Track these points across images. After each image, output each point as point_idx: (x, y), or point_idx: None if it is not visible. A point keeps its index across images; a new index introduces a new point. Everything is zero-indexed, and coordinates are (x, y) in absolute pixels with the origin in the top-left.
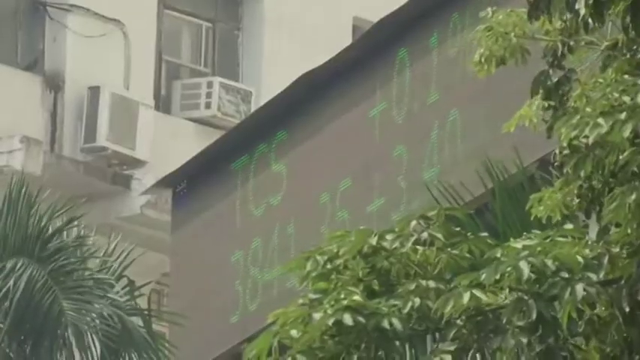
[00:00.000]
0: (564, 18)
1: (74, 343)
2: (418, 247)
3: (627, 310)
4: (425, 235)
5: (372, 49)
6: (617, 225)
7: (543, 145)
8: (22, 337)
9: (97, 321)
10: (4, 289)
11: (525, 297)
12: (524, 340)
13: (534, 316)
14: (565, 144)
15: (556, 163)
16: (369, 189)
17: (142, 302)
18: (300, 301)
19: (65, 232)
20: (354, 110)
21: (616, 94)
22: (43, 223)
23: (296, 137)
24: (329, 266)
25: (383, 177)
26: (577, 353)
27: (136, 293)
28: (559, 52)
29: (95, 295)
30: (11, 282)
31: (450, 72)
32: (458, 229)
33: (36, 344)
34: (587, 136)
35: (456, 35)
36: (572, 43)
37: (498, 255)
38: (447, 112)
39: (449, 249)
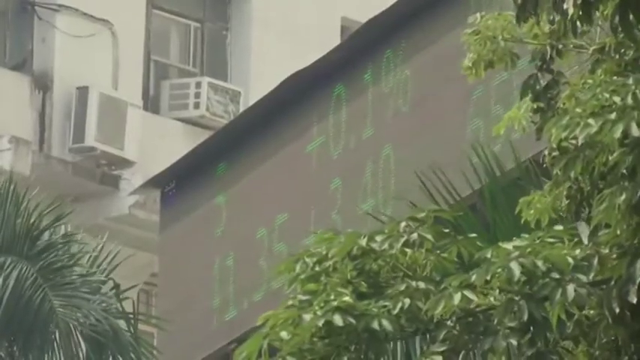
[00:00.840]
0: (552, 19)
1: (62, 341)
2: (407, 249)
3: (617, 310)
4: (415, 236)
5: (361, 50)
6: (607, 226)
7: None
8: (12, 336)
9: (85, 320)
10: None
11: (516, 298)
12: (515, 342)
13: (526, 317)
14: (555, 145)
15: (545, 165)
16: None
17: (128, 305)
18: (290, 302)
19: (54, 230)
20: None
21: (606, 95)
22: (31, 221)
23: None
24: (317, 268)
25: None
26: (565, 356)
27: (123, 296)
28: (547, 56)
29: (83, 294)
30: (0, 280)
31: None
32: (447, 230)
33: (26, 342)
34: (576, 137)
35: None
36: (560, 46)
37: (489, 256)
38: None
39: (437, 251)
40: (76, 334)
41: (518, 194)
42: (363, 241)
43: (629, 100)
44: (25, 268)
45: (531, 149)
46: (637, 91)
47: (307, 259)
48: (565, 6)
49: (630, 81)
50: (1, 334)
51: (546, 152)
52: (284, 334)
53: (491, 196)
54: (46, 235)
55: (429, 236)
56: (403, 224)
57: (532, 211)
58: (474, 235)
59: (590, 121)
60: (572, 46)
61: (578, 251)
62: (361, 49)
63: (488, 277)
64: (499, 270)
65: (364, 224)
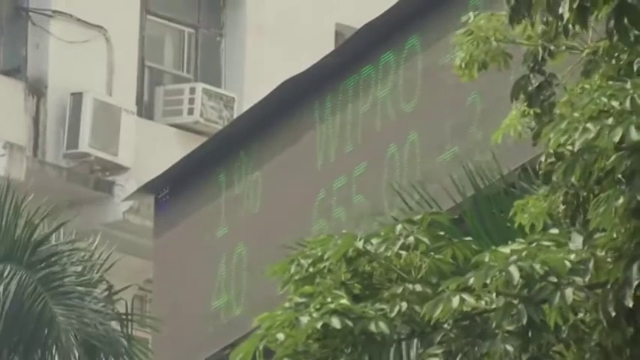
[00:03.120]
0: (545, 21)
1: (64, 349)
2: (402, 251)
3: (613, 314)
4: (411, 238)
5: (355, 55)
6: (603, 230)
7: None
8: (13, 345)
9: (85, 327)
10: None
11: (514, 301)
12: (511, 347)
13: (525, 320)
14: (552, 150)
15: (541, 172)
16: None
17: (122, 307)
18: (286, 304)
19: (52, 238)
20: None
21: (604, 99)
22: (30, 229)
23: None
24: (311, 270)
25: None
26: (556, 357)
27: (117, 297)
28: (539, 57)
29: (82, 301)
30: (0, 289)
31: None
32: (442, 233)
33: (27, 352)
34: (573, 143)
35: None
36: (552, 47)
37: (486, 259)
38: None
39: (432, 253)
40: (75, 341)
41: (506, 204)
42: (359, 244)
43: (628, 105)
44: (24, 277)
45: (520, 157)
46: (635, 95)
47: (302, 261)
48: (560, 10)
49: (628, 85)
50: (1, 343)
51: (542, 158)
52: (280, 336)
53: (477, 207)
54: (45, 243)
55: (425, 239)
56: (399, 227)
57: (526, 215)
58: (468, 238)
59: (589, 125)
60: (564, 47)
61: (574, 255)
62: (356, 55)
63: (488, 281)
64: (497, 273)
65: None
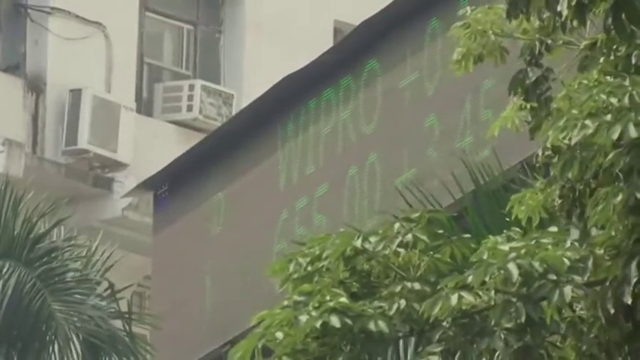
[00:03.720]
0: (542, 17)
1: (63, 345)
2: (400, 249)
3: (612, 311)
4: (409, 236)
5: (350, 55)
6: (601, 227)
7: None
8: (12, 341)
9: (84, 324)
10: None
11: (513, 299)
12: (512, 340)
13: (524, 318)
14: (549, 145)
15: (538, 165)
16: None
17: (123, 305)
18: (285, 303)
19: (51, 234)
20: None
21: (603, 96)
22: (29, 225)
23: None
24: (310, 268)
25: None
26: (553, 351)
27: (118, 296)
28: (537, 51)
29: (81, 297)
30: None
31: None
32: (440, 231)
33: (25, 348)
34: (570, 139)
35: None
36: (549, 42)
37: (485, 257)
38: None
39: (431, 252)
40: (74, 338)
41: (505, 200)
42: (358, 242)
43: (626, 102)
44: (23, 273)
45: (517, 154)
46: (634, 92)
47: (301, 259)
48: (559, 8)
49: (627, 82)
50: (0, 340)
51: (539, 152)
52: (279, 335)
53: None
54: (44, 239)
55: (424, 237)
56: (397, 225)
57: (523, 208)
58: (467, 235)
59: (587, 122)
60: (561, 41)
61: (570, 252)
62: (354, 52)
63: (487, 279)
64: (496, 271)
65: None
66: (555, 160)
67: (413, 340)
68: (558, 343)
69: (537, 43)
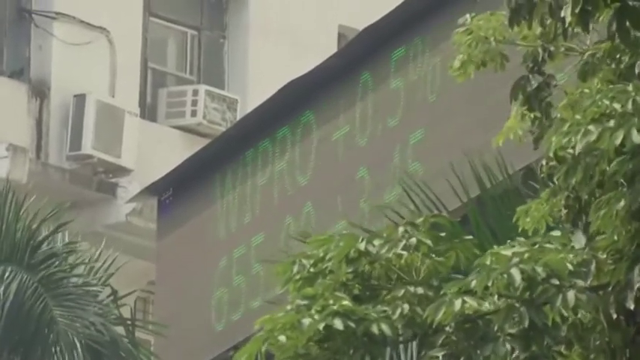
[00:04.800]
0: (545, 24)
1: (65, 351)
2: (402, 252)
3: (614, 316)
4: (413, 240)
5: (359, 57)
6: (604, 232)
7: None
8: (13, 346)
9: (85, 330)
10: None
11: (516, 304)
12: (511, 347)
13: (527, 323)
14: (552, 155)
15: (542, 175)
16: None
17: (126, 311)
18: (288, 307)
19: (53, 239)
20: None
21: (606, 102)
22: (31, 230)
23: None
24: (313, 270)
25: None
26: (558, 358)
27: (121, 302)
28: (539, 58)
29: (83, 303)
30: (1, 290)
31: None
32: (443, 234)
33: (27, 353)
34: (574, 146)
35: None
36: (552, 49)
37: (488, 262)
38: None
39: (433, 255)
40: (76, 344)
41: (510, 205)
42: (362, 245)
43: (629, 107)
44: (25, 278)
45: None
46: (637, 97)
47: (304, 261)
48: (562, 14)
49: (630, 88)
50: (2, 345)
51: (544, 161)
52: (282, 338)
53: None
54: (46, 244)
55: (428, 241)
56: (401, 229)
57: (529, 220)
58: (470, 237)
59: (591, 128)
60: (563, 48)
61: (572, 256)
62: (358, 57)
63: (490, 284)
64: (499, 276)
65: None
66: (559, 169)
67: (415, 344)
68: (564, 351)
69: (540, 50)
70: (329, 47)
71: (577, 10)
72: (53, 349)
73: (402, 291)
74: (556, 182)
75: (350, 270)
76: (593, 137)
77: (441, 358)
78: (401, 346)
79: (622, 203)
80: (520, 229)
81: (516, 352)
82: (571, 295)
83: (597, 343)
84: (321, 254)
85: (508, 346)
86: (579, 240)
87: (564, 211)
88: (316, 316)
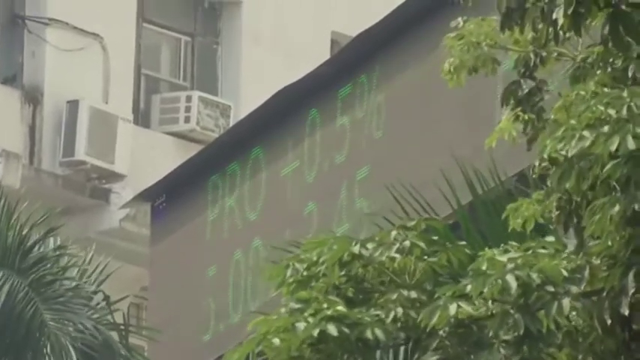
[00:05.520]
0: (536, 28)
1: (56, 354)
2: (396, 255)
3: (609, 322)
4: (407, 243)
5: (351, 64)
6: (598, 237)
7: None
8: (4, 350)
9: (77, 334)
10: None
11: (511, 310)
12: (510, 353)
13: (522, 330)
14: (546, 156)
15: (534, 176)
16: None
17: (119, 317)
18: (282, 310)
19: (44, 243)
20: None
21: (601, 107)
22: (22, 235)
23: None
24: (306, 274)
25: None
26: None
27: (114, 308)
28: (531, 63)
29: (74, 306)
30: None
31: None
32: (436, 238)
33: (18, 356)
34: (567, 150)
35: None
36: (544, 54)
37: (484, 267)
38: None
39: (426, 257)
40: (68, 347)
41: (501, 210)
42: (355, 248)
43: (624, 113)
44: (16, 282)
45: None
46: (632, 103)
47: (297, 265)
48: (555, 16)
49: (625, 93)
50: None
51: (536, 162)
52: (276, 341)
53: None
54: (36, 248)
55: (422, 243)
56: (394, 232)
57: (519, 220)
58: (463, 242)
59: (585, 133)
60: (555, 53)
61: (565, 262)
62: (351, 63)
63: (485, 289)
64: (494, 281)
65: None
66: (552, 171)
67: (409, 348)
68: (554, 353)
69: (532, 56)
70: (322, 53)
71: (569, 12)
72: (44, 352)
73: (396, 295)
74: (549, 184)
75: (343, 273)
76: (587, 143)
77: None
78: (395, 350)
79: (616, 208)
80: (511, 232)
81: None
82: (566, 302)
83: (590, 347)
84: (315, 258)
85: (502, 352)
86: (571, 242)
87: (556, 213)
88: (310, 320)
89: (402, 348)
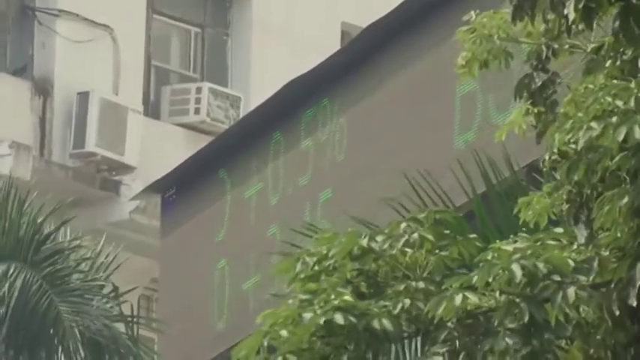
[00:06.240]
0: (547, 20)
1: (71, 346)
2: (407, 249)
3: (617, 313)
4: (415, 236)
5: (361, 55)
6: (607, 229)
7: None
8: (19, 343)
9: (90, 325)
10: None
11: (517, 300)
12: (515, 342)
13: (527, 319)
14: (555, 149)
15: (545, 169)
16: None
17: (127, 308)
18: (290, 301)
19: (56, 235)
20: None
21: (609, 99)
22: (35, 227)
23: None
24: (317, 268)
25: None
26: (559, 352)
27: (123, 299)
28: (543, 56)
29: (88, 299)
30: (6, 287)
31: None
32: (447, 231)
33: (33, 351)
34: (576, 141)
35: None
36: (556, 46)
37: (489, 257)
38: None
39: (437, 251)
40: (82, 339)
41: (515, 202)
42: (364, 241)
43: (632, 104)
44: (30, 275)
45: (525, 157)
46: (639, 94)
47: (307, 259)
48: (566, 11)
49: (633, 85)
50: (7, 343)
51: (546, 155)
52: (284, 333)
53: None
54: (50, 241)
55: (430, 236)
56: (404, 225)
57: (530, 212)
58: (473, 235)
59: (593, 124)
60: (567, 45)
61: (575, 254)
62: (362, 54)
63: (490, 279)
64: (500, 272)
65: None
66: (561, 164)
67: (418, 339)
68: (564, 345)
69: (544, 48)
70: (332, 44)
71: (580, 6)
72: (59, 345)
73: (404, 285)
74: (558, 177)
75: (355, 267)
76: (595, 133)
77: (443, 353)
78: (405, 342)
79: (625, 200)
80: (524, 225)
81: (518, 346)
82: (571, 291)
83: (600, 339)
84: (325, 251)
85: (509, 341)
86: (581, 234)
87: (566, 206)
88: (318, 311)
89: (413, 339)
